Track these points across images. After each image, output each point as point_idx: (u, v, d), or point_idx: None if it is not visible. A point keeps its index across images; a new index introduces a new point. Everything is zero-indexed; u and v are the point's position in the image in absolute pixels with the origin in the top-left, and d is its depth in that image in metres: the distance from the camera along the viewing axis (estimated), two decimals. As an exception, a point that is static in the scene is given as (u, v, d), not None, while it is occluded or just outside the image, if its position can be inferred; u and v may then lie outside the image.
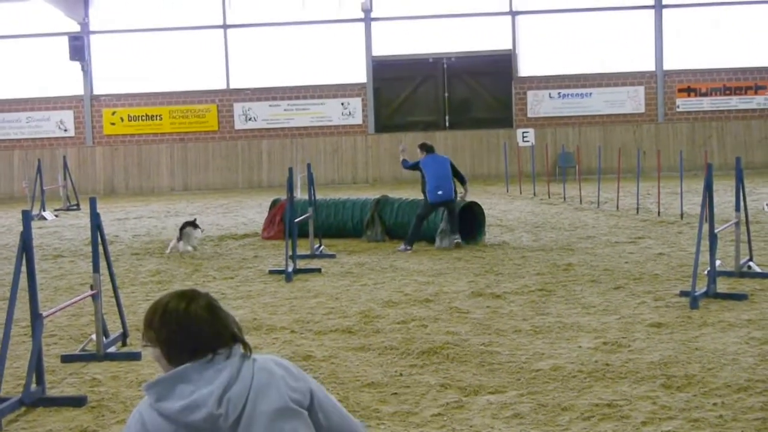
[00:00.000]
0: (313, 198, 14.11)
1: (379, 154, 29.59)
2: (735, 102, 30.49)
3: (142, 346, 7.36)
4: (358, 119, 29.86)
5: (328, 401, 3.18)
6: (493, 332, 8.40)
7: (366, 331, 8.58)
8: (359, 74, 29.89)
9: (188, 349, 3.03)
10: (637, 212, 17.92)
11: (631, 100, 30.39)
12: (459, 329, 8.53)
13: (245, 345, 3.13)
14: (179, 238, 14.42)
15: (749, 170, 27.47)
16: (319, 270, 12.27)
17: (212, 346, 3.05)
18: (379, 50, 29.86)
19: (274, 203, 16.30)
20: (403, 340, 8.13)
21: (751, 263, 11.15)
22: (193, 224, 14.64)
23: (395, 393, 6.66)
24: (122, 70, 29.87)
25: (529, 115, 30.05)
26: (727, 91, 30.46)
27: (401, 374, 7.11)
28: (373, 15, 29.77)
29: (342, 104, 29.80)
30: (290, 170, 13.25)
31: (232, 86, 30.00)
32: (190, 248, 14.32)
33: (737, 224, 10.85)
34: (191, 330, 3.04)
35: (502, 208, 19.86)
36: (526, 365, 7.23)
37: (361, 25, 29.74)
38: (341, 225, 15.56)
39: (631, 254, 12.90)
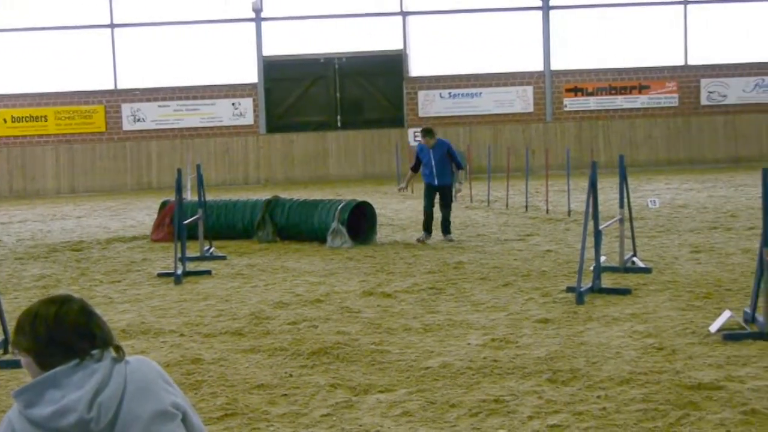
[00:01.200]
0: (202, 199, 13.93)
1: (271, 154, 29.42)
2: (620, 101, 31.26)
3: (11, 353, 7.15)
4: (249, 119, 29.63)
5: (195, 417, 3.14)
6: (383, 331, 8.42)
7: (256, 333, 8.51)
8: (250, 74, 29.67)
9: (59, 354, 2.94)
10: (526, 210, 18.21)
11: (520, 100, 30.88)
12: (350, 329, 8.52)
13: (117, 348, 3.05)
14: None
15: (634, 168, 28.18)
16: (209, 272, 12.12)
17: (83, 350, 2.96)
18: (270, 50, 29.70)
19: (164, 205, 16.04)
20: (294, 341, 8.08)
21: (634, 258, 11.44)
22: None
23: (285, 394, 6.61)
24: (5, 70, 29.04)
25: (420, 115, 30.25)
26: (613, 90, 31.21)
27: (291, 375, 7.06)
28: (263, 15, 29.58)
29: (233, 104, 29.53)
30: (179, 171, 13.05)
31: (119, 87, 29.42)
32: None
33: (621, 221, 11.12)
34: (61, 335, 2.95)
35: (395, 207, 19.95)
36: (416, 363, 7.26)
37: (252, 25, 29.53)
38: (232, 226, 15.39)
39: (520, 251, 13.10)
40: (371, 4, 30.27)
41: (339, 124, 30.02)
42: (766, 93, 31.59)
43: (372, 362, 7.36)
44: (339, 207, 14.35)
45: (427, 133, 14.45)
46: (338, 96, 30.06)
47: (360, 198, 16.39)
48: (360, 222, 14.69)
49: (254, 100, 29.63)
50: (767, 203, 7.53)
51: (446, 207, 14.46)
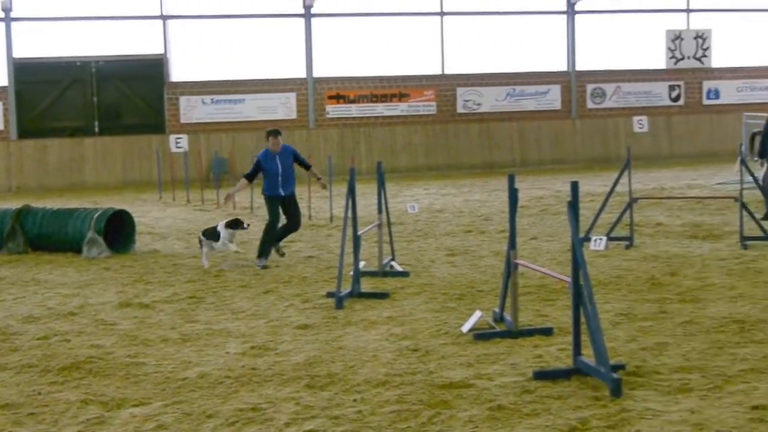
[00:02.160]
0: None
1: (23, 161, 28.05)
2: (381, 109, 31.94)
3: None
4: (-1, 124, 28.19)
5: None
6: (140, 343, 8.19)
7: (2, 350, 8.06)
8: (-1, 77, 28.25)
9: None
10: (289, 216, 18.24)
11: (283, 107, 30.97)
12: (104, 342, 8.24)
13: None
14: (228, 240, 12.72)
15: (395, 174, 28.84)
16: (-48, 287, 11.40)
17: None
18: (21, 52, 28.32)
19: None
20: (43, 356, 7.72)
21: (393, 263, 11.71)
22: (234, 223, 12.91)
23: (32, 413, 6.30)
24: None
25: (182, 121, 29.76)
26: (374, 98, 31.86)
27: (39, 393, 6.73)
28: (13, 15, 28.20)
29: (-19, 108, 27.97)
30: None
31: None
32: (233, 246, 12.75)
33: (380, 226, 11.33)
34: None
35: (155, 215, 19.49)
36: (173, 374, 7.11)
37: (1, 24, 28.09)
38: (-21, 237, 14.54)
39: (282, 258, 13.09)
40: (130, 7, 29.50)
41: (97, 129, 29.03)
42: (518, 102, 33.18)
43: (127, 375, 7.14)
44: (95, 215, 13.87)
45: (277, 133, 13.13)
46: (96, 100, 29.07)
47: (119, 206, 15.91)
48: (118, 231, 14.25)
49: (4, 104, 28.17)
50: (513, 208, 7.87)
51: (297, 217, 13.12)
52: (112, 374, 7.19)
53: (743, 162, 13.71)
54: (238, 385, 6.78)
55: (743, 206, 12.78)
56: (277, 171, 12.85)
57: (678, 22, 35.23)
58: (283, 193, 12.87)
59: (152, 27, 29.80)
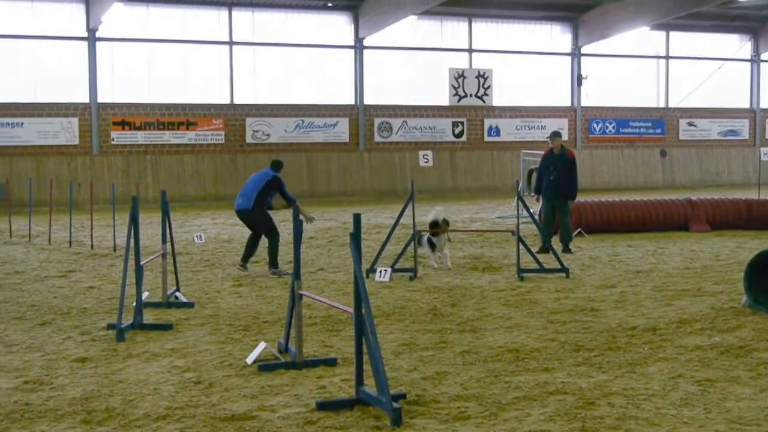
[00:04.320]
0: None
1: None
2: (168, 136, 31.47)
3: None
4: None
5: None
6: None
7: None
8: None
9: None
10: (70, 245, 17.64)
11: (65, 132, 29.97)
12: None
13: None
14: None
15: (182, 203, 28.46)
16: None
17: None
18: None
19: None
20: None
21: (177, 293, 11.50)
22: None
23: None
24: None
25: (-46, 145, 28.30)
26: (161, 125, 31.34)
27: None
28: None
29: None
30: None
31: None
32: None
33: (164, 256, 11.11)
34: None
35: None
36: (-64, 413, 6.68)
37: None
38: None
39: (61, 288, 12.63)
40: None
41: None
42: (307, 133, 33.45)
43: None
44: None
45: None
46: None
47: None
48: None
49: None
50: (298, 239, 7.89)
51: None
52: None
53: (520, 197, 14.34)
54: (8, 422, 6.46)
55: (520, 240, 13.35)
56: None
57: (461, 61, 36.61)
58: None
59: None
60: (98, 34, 30.46)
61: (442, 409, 6.56)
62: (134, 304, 9.88)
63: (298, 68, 33.64)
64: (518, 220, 14.11)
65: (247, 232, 15.02)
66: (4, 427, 6.36)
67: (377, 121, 34.75)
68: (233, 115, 32.44)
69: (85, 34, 30.32)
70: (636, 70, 39.79)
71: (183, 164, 31.41)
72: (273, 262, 13.81)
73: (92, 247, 17.25)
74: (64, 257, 16.21)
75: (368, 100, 34.64)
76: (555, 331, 9.29)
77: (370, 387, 6.70)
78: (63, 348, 8.87)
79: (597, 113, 39.03)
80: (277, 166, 14.22)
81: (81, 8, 30.19)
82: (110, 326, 9.66)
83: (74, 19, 30.24)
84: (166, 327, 9.74)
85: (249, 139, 32.53)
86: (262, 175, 14.11)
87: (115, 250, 16.66)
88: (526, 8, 36.62)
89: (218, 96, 32.52)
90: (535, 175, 18.20)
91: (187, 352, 8.58)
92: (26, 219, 19.54)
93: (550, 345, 8.59)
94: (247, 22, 32.75)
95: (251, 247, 14.13)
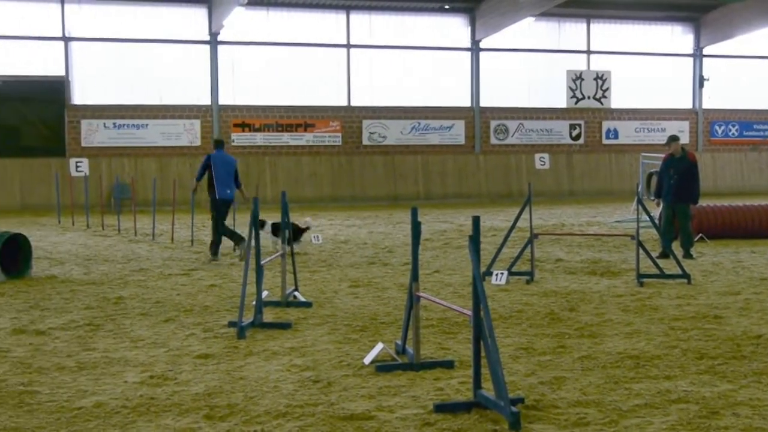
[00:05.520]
0: None
1: None
2: (286, 138, 31.95)
3: None
4: None
5: None
6: (33, 371, 7.97)
7: None
8: None
9: None
10: (192, 244, 18.06)
11: (187, 133, 30.71)
12: (-4, 369, 8.00)
13: None
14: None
15: (300, 203, 28.84)
16: None
17: None
18: None
19: None
20: (-69, 384, 7.45)
21: (296, 293, 11.66)
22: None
23: None
24: None
25: (83, 145, 29.28)
26: (280, 127, 31.84)
27: (-73, 422, 6.50)
28: None
29: None
30: None
31: None
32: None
33: (283, 256, 11.28)
34: None
35: (53, 240, 19.08)
36: (68, 404, 6.93)
37: None
38: None
39: (184, 286, 12.94)
40: (32, 28, 28.97)
41: (-7, 151, 28.39)
42: (422, 135, 33.52)
43: (20, 404, 6.94)
44: (-10, 239, 13.51)
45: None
46: (-7, 121, 28.45)
47: (15, 230, 15.53)
48: (14, 255, 13.89)
49: None
50: (416, 241, 7.92)
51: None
52: (4, 403, 6.98)
53: (640, 201, 14.07)
54: (135, 415, 6.65)
55: (640, 244, 13.10)
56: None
57: (579, 63, 36.16)
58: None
59: (54, 48, 29.30)
60: (220, 38, 31.14)
61: (561, 414, 6.49)
62: (254, 302, 10.05)
63: (415, 70, 33.75)
64: (638, 224, 13.86)
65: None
66: (130, 419, 6.55)
67: (493, 123, 34.60)
68: (350, 117, 32.74)
69: (208, 38, 31.04)
70: (761, 71, 38.64)
71: (300, 165, 31.85)
72: (239, 239, 15.66)
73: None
74: (186, 255, 16.61)
75: (484, 102, 34.52)
76: (677, 338, 9.09)
77: (487, 390, 6.68)
78: (186, 344, 9.09)
79: (719, 116, 38.06)
80: (223, 144, 15.90)
81: (204, 13, 30.92)
82: (231, 324, 9.85)
83: (197, 24, 30.98)
84: (285, 326, 9.89)
85: (365, 141, 32.78)
86: (227, 161, 15.64)
87: (234, 250, 16.97)
88: (646, 8, 35.96)
89: (335, 98, 32.87)
90: (655, 179, 17.83)
91: (306, 351, 8.69)
92: (150, 218, 20.09)
93: (672, 352, 8.41)
94: (365, 25, 33.02)
95: (231, 232, 15.78)
